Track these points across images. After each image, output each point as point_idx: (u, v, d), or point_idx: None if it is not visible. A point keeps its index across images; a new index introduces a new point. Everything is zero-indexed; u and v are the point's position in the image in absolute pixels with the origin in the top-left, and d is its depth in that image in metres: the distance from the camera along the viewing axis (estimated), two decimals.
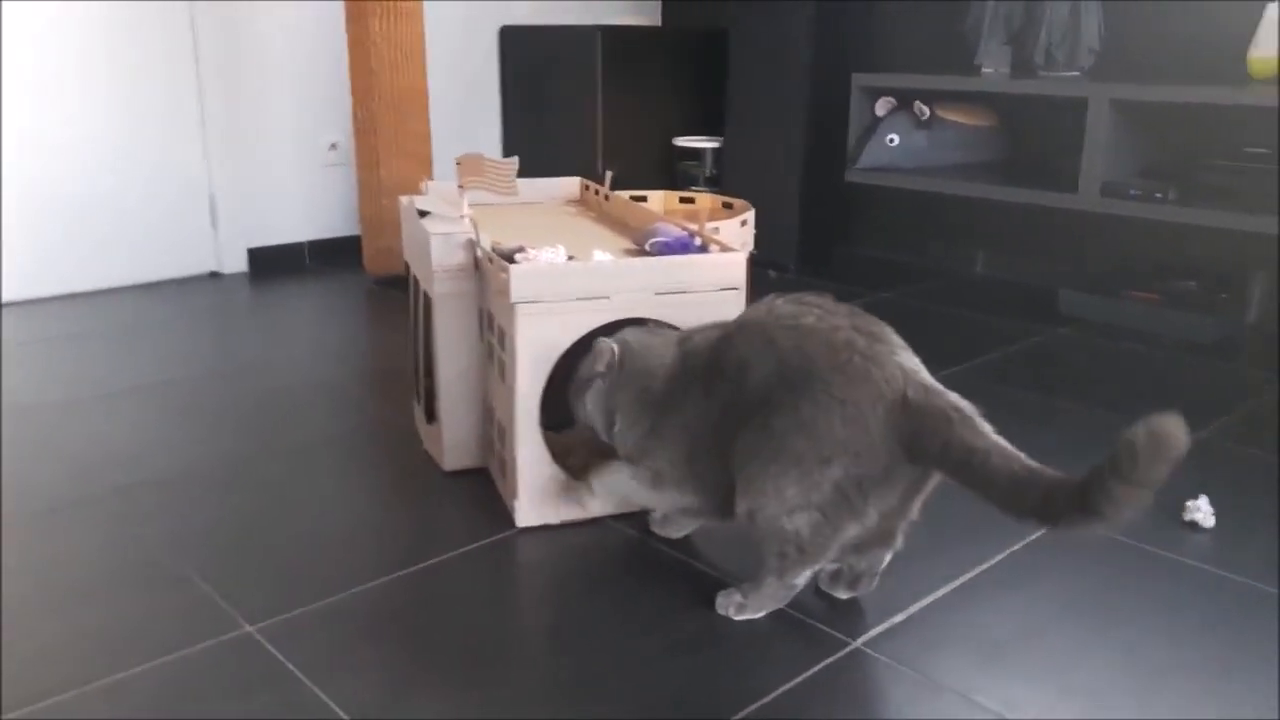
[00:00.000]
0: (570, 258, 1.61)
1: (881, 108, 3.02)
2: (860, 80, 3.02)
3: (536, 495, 1.58)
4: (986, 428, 1.15)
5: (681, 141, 3.54)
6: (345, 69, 3.30)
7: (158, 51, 3.03)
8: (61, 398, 2.17)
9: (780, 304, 1.31)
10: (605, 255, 1.62)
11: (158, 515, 1.64)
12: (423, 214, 1.84)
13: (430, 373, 1.85)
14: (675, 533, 1.56)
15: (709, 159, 3.48)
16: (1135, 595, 1.42)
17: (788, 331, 1.26)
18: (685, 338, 1.43)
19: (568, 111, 3.55)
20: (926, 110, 2.94)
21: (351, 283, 3.20)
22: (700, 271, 1.57)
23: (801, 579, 1.31)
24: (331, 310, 2.96)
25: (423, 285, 1.81)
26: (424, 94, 3.06)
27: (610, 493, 1.53)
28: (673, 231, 1.74)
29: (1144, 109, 2.58)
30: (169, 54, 3.06)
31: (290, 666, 1.24)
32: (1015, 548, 1.54)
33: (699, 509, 1.44)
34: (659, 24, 4.07)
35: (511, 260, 1.55)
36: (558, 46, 3.55)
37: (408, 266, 2.07)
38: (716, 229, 1.82)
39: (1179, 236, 2.71)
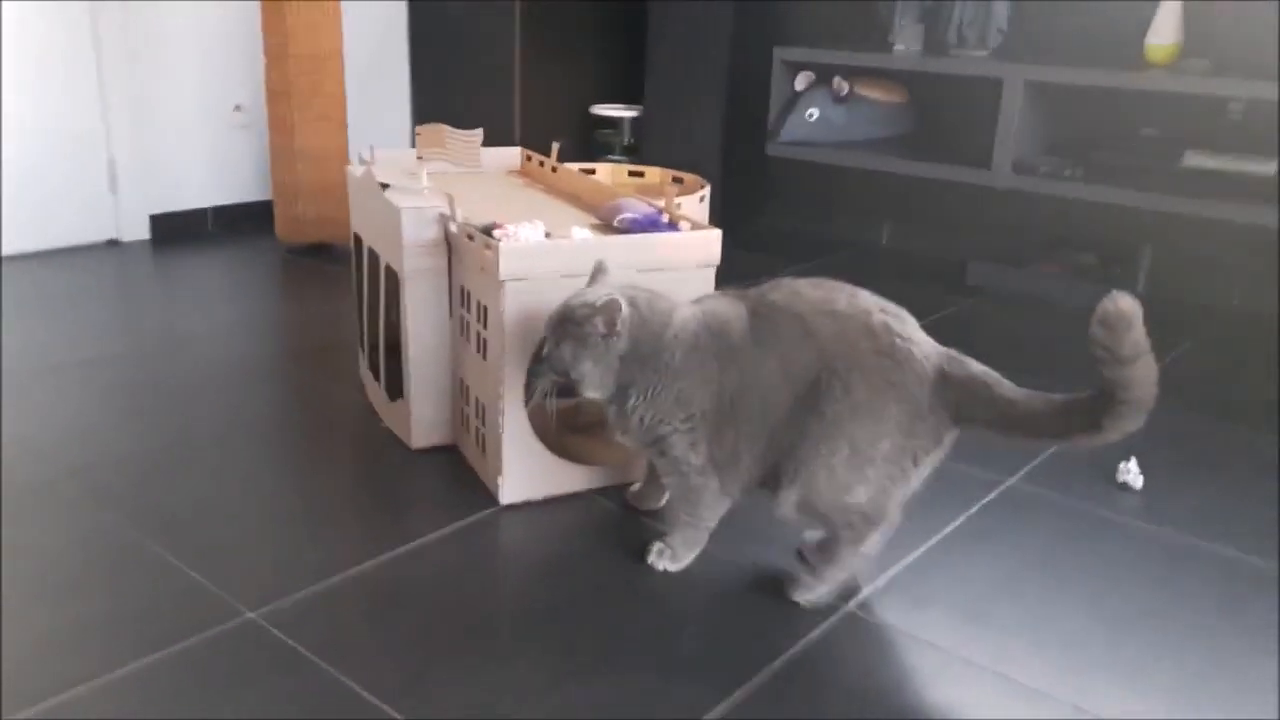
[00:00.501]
0: (548, 234, 1.62)
1: (801, 82, 3.09)
2: (782, 54, 3.08)
3: (521, 472, 1.60)
4: (1006, 381, 1.26)
5: (599, 109, 3.54)
6: (252, 28, 3.18)
7: (53, 11, 2.85)
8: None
9: (805, 288, 1.34)
10: (585, 232, 1.63)
11: (122, 499, 1.58)
12: (383, 186, 1.81)
13: (393, 349, 1.83)
14: (653, 504, 1.60)
15: (627, 128, 3.49)
16: (1088, 552, 1.54)
17: (825, 318, 1.30)
18: (704, 311, 1.38)
19: (483, 76, 3.50)
20: (846, 86, 3.03)
21: (262, 250, 3.10)
22: (681, 249, 1.60)
23: (871, 545, 1.36)
24: (246, 280, 2.86)
25: (385, 260, 1.78)
26: (340, 56, 2.97)
27: (690, 547, 1.46)
28: (640, 208, 1.76)
29: (1053, 90, 2.73)
30: (65, 14, 2.87)
31: (303, 651, 1.24)
32: (972, 511, 1.64)
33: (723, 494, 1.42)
34: None
35: (490, 236, 1.55)
36: (473, 9, 3.48)
37: (356, 238, 2.03)
38: (679, 205, 1.85)
39: (1079, 211, 2.89)
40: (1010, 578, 1.47)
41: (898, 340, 1.28)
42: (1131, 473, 1.76)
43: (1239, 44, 2.61)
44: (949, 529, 1.58)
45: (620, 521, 1.58)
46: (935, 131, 3.20)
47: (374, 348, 1.94)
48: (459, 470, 1.72)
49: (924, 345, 1.30)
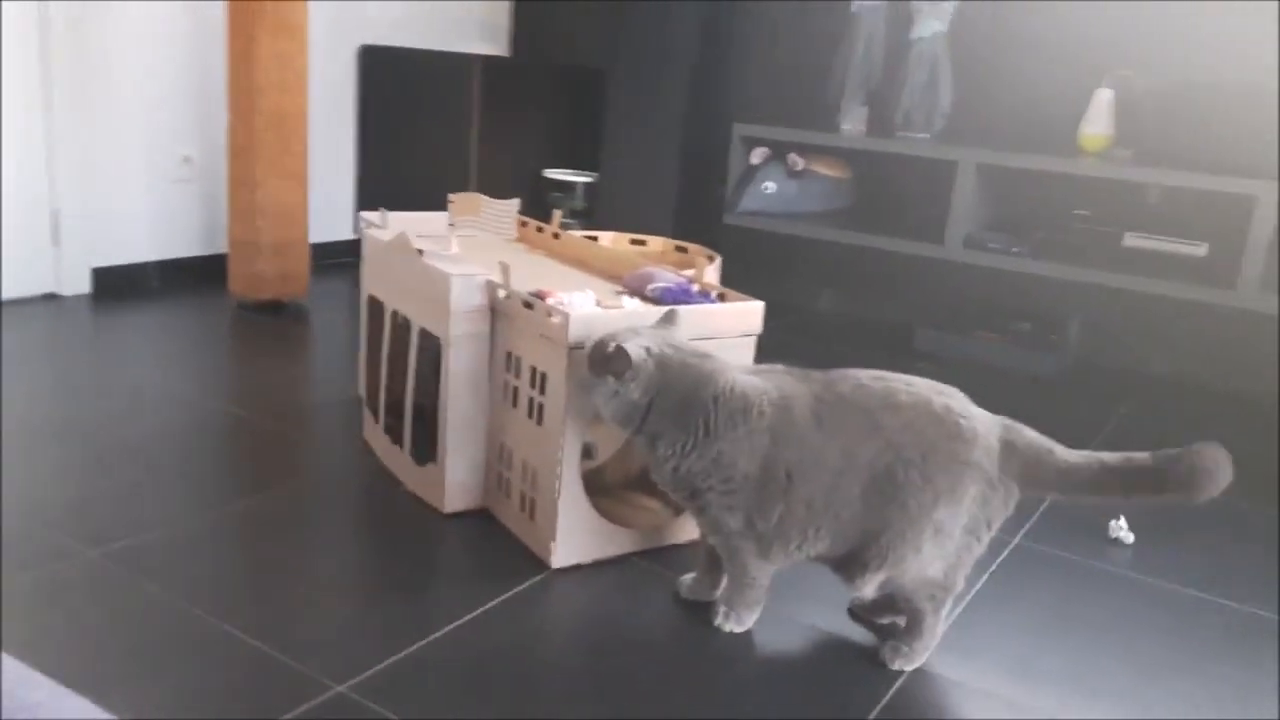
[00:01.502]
0: (597, 302, 1.66)
1: (757, 156, 3.23)
2: (741, 130, 3.22)
3: (573, 536, 1.62)
4: (1059, 446, 1.37)
5: (551, 173, 3.61)
6: (203, 80, 3.14)
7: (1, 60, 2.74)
8: None
9: (869, 381, 1.40)
10: (634, 302, 1.69)
11: (163, 573, 1.52)
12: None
13: (420, 414, 1.83)
14: (707, 596, 1.56)
15: (580, 192, 3.56)
16: (1101, 605, 1.66)
17: (889, 413, 1.36)
18: (767, 383, 1.42)
19: (436, 138, 3.52)
20: (800, 162, 3.18)
21: (212, 306, 3.02)
22: (728, 319, 1.67)
23: (948, 611, 1.45)
24: (204, 337, 2.78)
25: (420, 324, 1.79)
26: (305, 115, 2.95)
27: (751, 608, 1.49)
28: (670, 278, 1.83)
29: (998, 172, 2.94)
30: (12, 63, 2.76)
31: None
32: (993, 569, 1.75)
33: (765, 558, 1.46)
34: (507, 54, 4.11)
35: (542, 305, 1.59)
36: (427, 71, 3.51)
37: (372, 300, 2.03)
38: (703, 276, 1.93)
39: (1014, 282, 3.10)
40: (1041, 629, 1.57)
41: (961, 420, 1.36)
42: (1122, 529, 1.90)
43: (1158, 137, 2.89)
44: (979, 585, 1.68)
45: (668, 583, 1.62)
46: (875, 205, 3.39)
47: (392, 410, 1.93)
48: (496, 534, 1.73)
49: (983, 419, 1.39)
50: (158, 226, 3.17)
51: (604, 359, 1.41)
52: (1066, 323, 3.07)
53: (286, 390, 2.39)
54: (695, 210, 3.39)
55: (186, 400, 2.25)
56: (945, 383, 1.43)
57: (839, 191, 3.35)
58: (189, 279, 3.23)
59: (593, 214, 3.52)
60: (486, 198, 1.82)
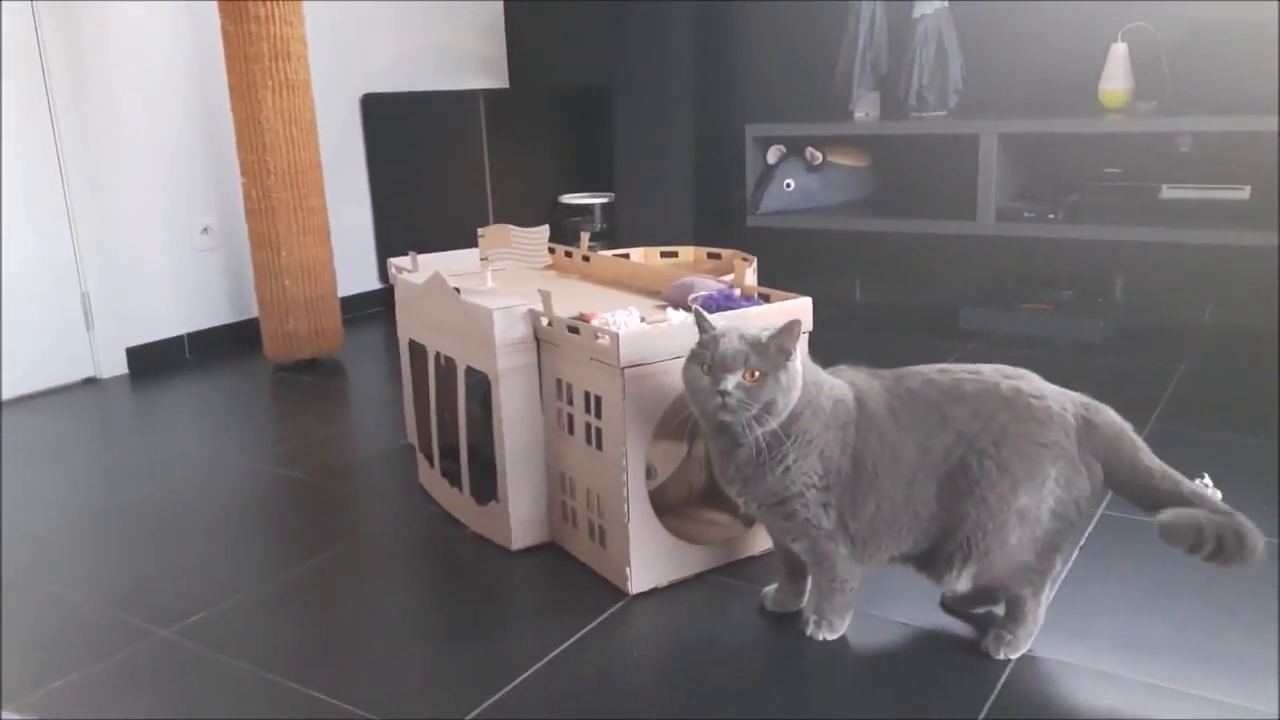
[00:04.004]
0: (642, 319, 1.63)
1: (773, 155, 3.19)
2: (753, 130, 3.18)
3: (646, 559, 1.57)
4: (1144, 445, 1.32)
5: (567, 198, 3.58)
6: (214, 147, 3.15)
7: (18, 144, 2.75)
8: (20, 532, 1.92)
9: (935, 374, 1.36)
10: (680, 314, 1.65)
11: (243, 646, 1.49)
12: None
13: (474, 452, 1.80)
14: (792, 607, 1.52)
15: (598, 214, 3.54)
16: (1186, 566, 1.60)
17: (956, 404, 1.32)
18: (845, 380, 1.39)
19: (448, 176, 3.51)
20: (819, 155, 3.14)
21: (248, 372, 3.01)
22: (780, 320, 1.62)
23: (1047, 594, 1.38)
24: (245, 403, 2.77)
25: (465, 362, 1.76)
26: (319, 168, 2.94)
27: (842, 614, 1.43)
28: (710, 285, 1.79)
29: (1022, 140, 2.89)
30: (29, 144, 2.78)
31: None
32: (1082, 543, 1.69)
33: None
34: (507, 86, 4.10)
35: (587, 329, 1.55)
36: (432, 112, 3.51)
37: (413, 345, 2.00)
38: (744, 279, 1.89)
39: (1050, 251, 3.04)
40: (1142, 599, 1.51)
41: (1033, 400, 1.31)
42: (1209, 485, 1.83)
43: (1179, 84, 2.82)
44: (1072, 563, 1.62)
45: (751, 597, 1.57)
46: (899, 190, 3.34)
47: (447, 453, 1.90)
48: (568, 567, 1.69)
49: (1058, 397, 1.34)
50: (186, 299, 3.17)
51: (779, 339, 1.30)
52: (1111, 285, 3.00)
53: (334, 446, 2.37)
54: (717, 217, 3.36)
55: (236, 467, 2.23)
56: (995, 359, 1.38)
57: (860, 180, 3.30)
58: (223, 348, 3.23)
59: (614, 235, 3.49)
60: (515, 228, 1.79)
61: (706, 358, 1.30)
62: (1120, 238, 2.74)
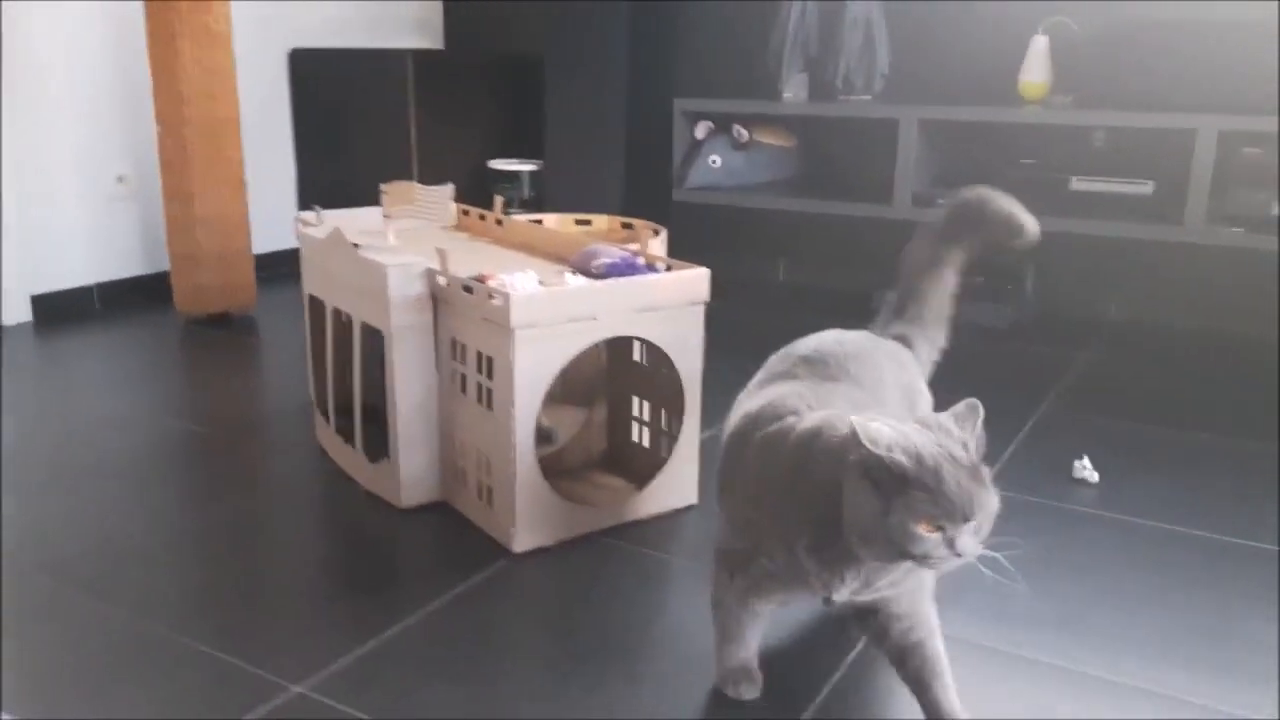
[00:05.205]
0: (540, 282, 1.63)
1: (701, 131, 3.20)
2: (682, 105, 3.19)
3: (532, 519, 1.59)
4: None
5: (497, 164, 3.56)
6: (132, 96, 3.07)
7: None
8: None
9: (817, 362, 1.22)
10: (579, 279, 1.65)
11: (117, 591, 1.48)
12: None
13: (370, 410, 1.79)
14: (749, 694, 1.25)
15: (526, 181, 3.52)
16: (1087, 546, 1.65)
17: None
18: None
19: (375, 137, 3.46)
20: (746, 133, 3.16)
21: (159, 325, 2.95)
22: (674, 289, 1.64)
23: None
24: (152, 357, 2.72)
25: (361, 319, 1.75)
26: (237, 121, 2.88)
27: None
28: (615, 253, 1.80)
29: (942, 127, 2.93)
30: None
31: (363, 718, 1.19)
32: None
33: None
34: (441, 47, 4.06)
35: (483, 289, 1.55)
36: (361, 70, 3.46)
37: (313, 300, 1.98)
38: (648, 248, 1.90)
39: None
40: (1020, 573, 1.55)
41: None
42: (1087, 469, 1.89)
43: (1097, 79, 2.89)
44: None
45: (637, 560, 1.59)
46: (823, 171, 3.37)
47: (343, 411, 1.89)
48: (457, 525, 1.69)
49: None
50: (97, 248, 3.10)
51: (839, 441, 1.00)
52: (1022, 274, 3.07)
53: (239, 401, 2.34)
54: (645, 190, 3.36)
55: (137, 420, 2.19)
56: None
57: (786, 160, 3.33)
58: (135, 299, 3.17)
59: (541, 202, 3.48)
60: (420, 185, 1.78)
61: (924, 509, 0.91)
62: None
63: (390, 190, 1.81)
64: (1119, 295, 3.00)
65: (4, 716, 1.17)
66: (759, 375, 1.30)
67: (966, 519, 0.92)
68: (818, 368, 1.23)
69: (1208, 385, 2.44)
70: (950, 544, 0.92)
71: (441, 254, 1.62)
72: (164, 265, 3.14)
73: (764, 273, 3.51)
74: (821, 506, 0.98)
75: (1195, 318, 2.88)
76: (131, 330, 2.92)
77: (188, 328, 2.92)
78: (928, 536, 0.92)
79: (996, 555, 0.97)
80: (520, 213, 3.40)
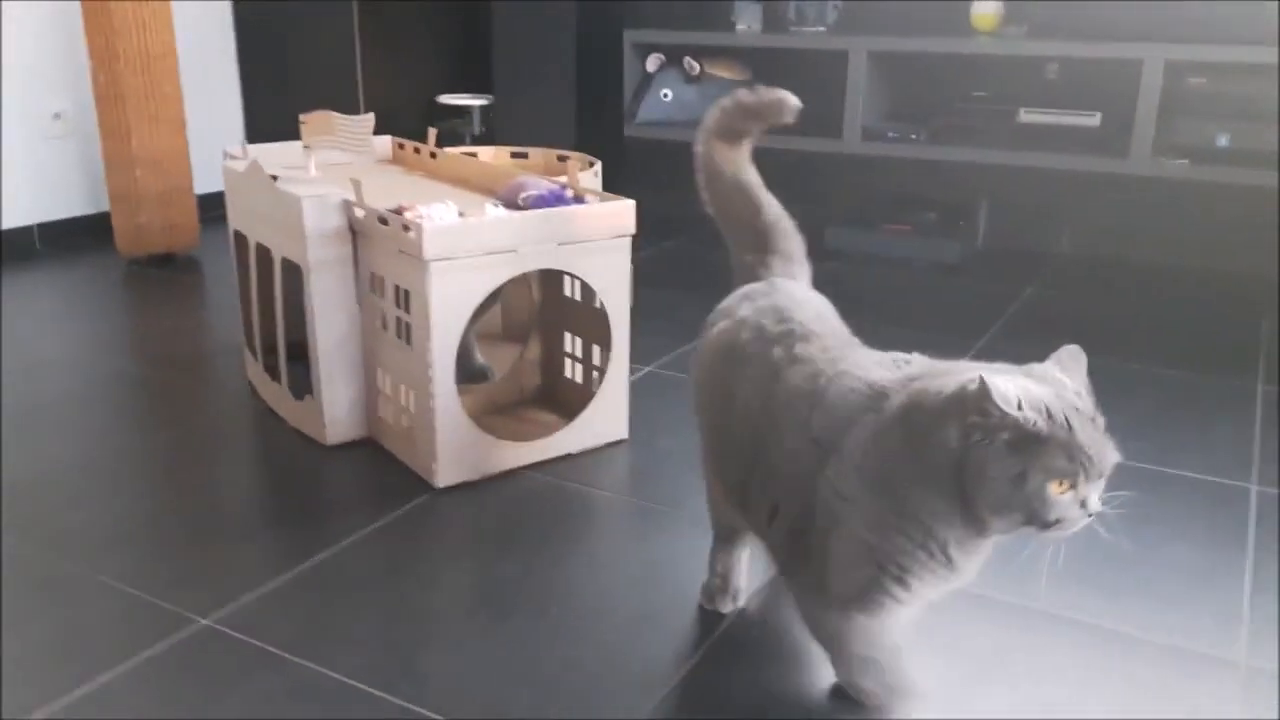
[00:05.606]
0: (460, 214, 1.60)
1: (652, 64, 3.15)
2: (631, 37, 3.13)
3: (454, 454, 1.58)
4: None
5: (446, 99, 3.50)
6: (67, 29, 2.98)
7: None
8: None
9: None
10: (500, 210, 1.63)
11: (27, 525, 1.47)
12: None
13: (294, 347, 1.77)
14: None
15: (476, 116, 3.47)
16: None
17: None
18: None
19: (321, 71, 3.39)
20: (697, 66, 3.11)
21: (101, 266, 2.90)
22: (597, 220, 1.62)
23: None
24: (91, 298, 2.67)
25: (281, 254, 1.72)
26: (174, 54, 2.81)
27: None
28: (543, 184, 1.77)
29: (892, 59, 2.90)
30: None
31: (271, 649, 1.19)
32: None
33: None
34: None
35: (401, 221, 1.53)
36: (305, 2, 3.37)
37: (238, 236, 1.95)
38: (578, 181, 1.87)
39: (919, 172, 3.07)
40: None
41: None
42: None
43: (1049, 10, 2.85)
44: None
45: (556, 493, 1.59)
46: None
47: (269, 349, 1.87)
48: (382, 462, 1.69)
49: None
50: (37, 187, 3.04)
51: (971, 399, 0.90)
52: (975, 208, 3.05)
53: (176, 341, 2.31)
54: (597, 125, 3.31)
55: (73, 360, 2.16)
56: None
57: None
58: (77, 239, 3.11)
59: (493, 137, 3.42)
60: (340, 115, 1.74)
61: (1060, 467, 0.86)
62: (979, 160, 2.78)
63: (309, 121, 1.77)
64: (1070, 229, 3.00)
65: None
66: (753, 368, 1.10)
67: (1101, 474, 0.88)
68: (820, 336, 1.09)
69: (1152, 317, 2.44)
70: (1083, 503, 0.87)
71: (356, 185, 1.59)
72: (106, 205, 3.08)
73: None
74: (956, 480, 0.89)
75: (1144, 251, 2.88)
76: (73, 271, 2.87)
77: (130, 268, 2.88)
78: (1061, 498, 0.86)
79: (1113, 512, 0.91)
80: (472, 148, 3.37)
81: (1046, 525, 0.87)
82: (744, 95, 1.29)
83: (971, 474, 0.87)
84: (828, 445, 0.98)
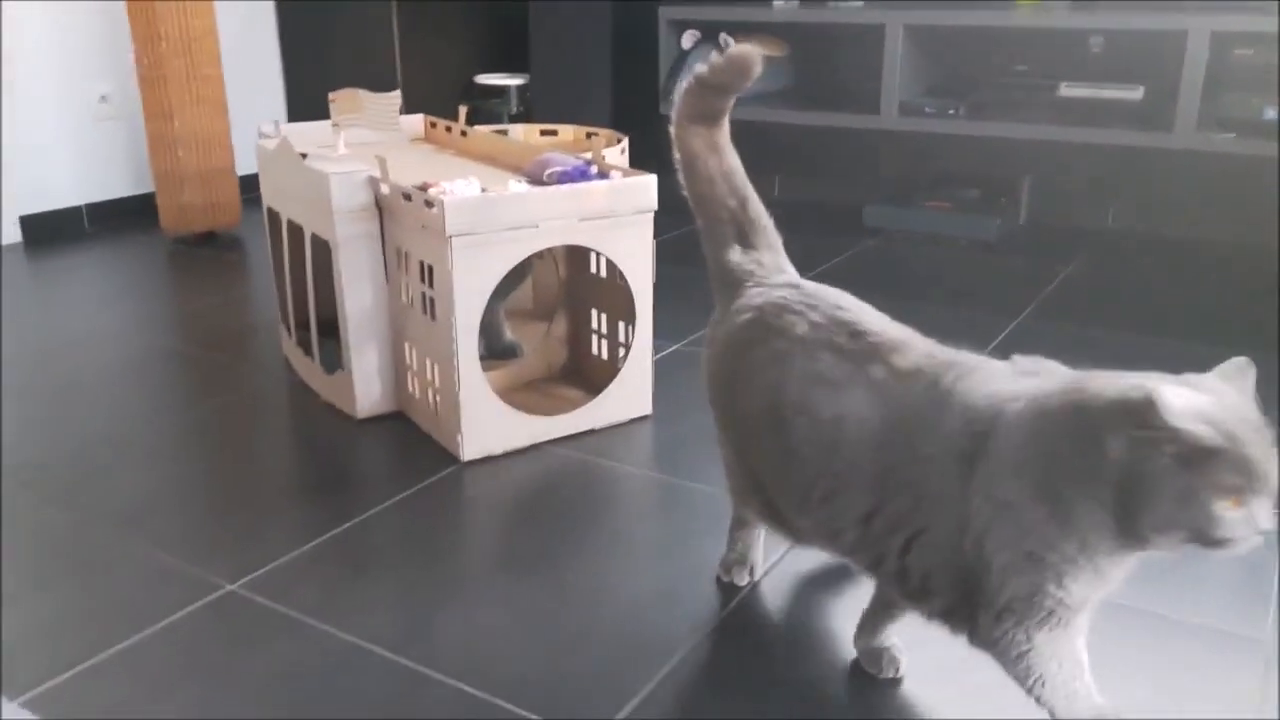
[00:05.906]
0: (483, 190, 1.61)
1: (687, 40, 3.13)
2: (667, 13, 3.11)
3: (480, 427, 1.60)
4: None
5: (483, 79, 3.51)
6: (113, 13, 3.03)
7: None
8: None
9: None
10: (522, 185, 1.64)
11: (70, 497, 1.51)
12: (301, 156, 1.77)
13: (325, 322, 1.80)
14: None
15: (514, 96, 3.47)
16: None
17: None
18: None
19: (360, 53, 3.42)
20: (732, 42, 3.07)
21: (147, 244, 2.97)
22: (620, 196, 1.62)
23: None
24: (136, 277, 2.74)
25: (311, 230, 1.75)
26: (215, 35, 2.86)
27: None
28: (568, 161, 1.77)
29: (930, 33, 2.85)
30: None
31: (293, 614, 1.22)
32: None
33: None
34: None
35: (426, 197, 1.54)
36: None
37: (271, 213, 1.98)
38: (603, 157, 1.87)
39: (960, 148, 3.02)
40: None
41: None
42: None
43: None
44: None
45: (581, 468, 1.60)
46: (816, 82, 3.30)
47: (303, 324, 1.90)
48: (411, 435, 1.71)
49: None
50: (84, 169, 3.11)
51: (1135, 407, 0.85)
52: (1016, 185, 3.00)
53: (217, 317, 2.36)
54: (634, 103, 3.30)
55: (116, 337, 2.22)
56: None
57: (778, 71, 3.25)
58: (124, 219, 3.18)
59: (530, 117, 3.43)
60: (367, 93, 1.76)
61: (1231, 482, 0.81)
62: (1019, 135, 2.72)
63: (338, 99, 1.79)
64: (1115, 205, 2.93)
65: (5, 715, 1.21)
66: (847, 394, 1.03)
67: (1272, 491, 0.82)
68: (911, 344, 1.05)
69: (1196, 294, 2.39)
70: (1253, 520, 0.82)
71: (381, 161, 1.61)
72: (151, 185, 3.14)
73: (762, 189, 3.44)
74: (1117, 493, 0.85)
75: (1188, 226, 2.81)
76: (119, 250, 2.94)
77: (174, 246, 2.94)
78: (1230, 515, 0.81)
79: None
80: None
81: (1214, 544, 0.83)
82: (700, 71, 1.22)
83: (1134, 489, 0.83)
84: (972, 454, 0.93)
